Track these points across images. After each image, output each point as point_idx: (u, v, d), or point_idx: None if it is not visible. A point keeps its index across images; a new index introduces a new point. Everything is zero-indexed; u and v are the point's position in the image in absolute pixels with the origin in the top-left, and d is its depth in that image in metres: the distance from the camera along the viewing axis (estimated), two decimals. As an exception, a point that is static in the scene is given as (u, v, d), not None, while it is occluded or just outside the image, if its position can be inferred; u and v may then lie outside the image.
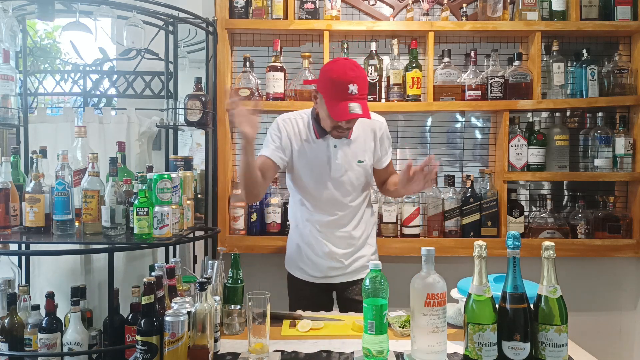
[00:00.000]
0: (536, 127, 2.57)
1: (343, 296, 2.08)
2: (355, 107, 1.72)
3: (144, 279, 1.34)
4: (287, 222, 2.34)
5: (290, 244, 2.13)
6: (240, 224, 2.54)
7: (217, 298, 1.54)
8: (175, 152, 2.38)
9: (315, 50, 2.65)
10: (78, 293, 1.70)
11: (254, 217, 2.55)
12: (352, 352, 1.45)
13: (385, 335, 1.34)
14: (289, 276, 2.13)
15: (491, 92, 2.52)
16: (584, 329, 2.62)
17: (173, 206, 1.73)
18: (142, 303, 1.34)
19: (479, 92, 2.53)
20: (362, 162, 1.95)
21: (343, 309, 2.07)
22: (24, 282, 2.08)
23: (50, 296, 1.67)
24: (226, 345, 1.51)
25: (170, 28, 2.31)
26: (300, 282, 2.07)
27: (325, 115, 1.81)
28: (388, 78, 2.56)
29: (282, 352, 1.45)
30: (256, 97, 2.55)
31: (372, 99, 2.55)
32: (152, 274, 1.49)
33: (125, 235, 1.77)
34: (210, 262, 1.71)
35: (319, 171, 1.93)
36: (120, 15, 2.07)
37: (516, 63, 2.53)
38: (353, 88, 1.72)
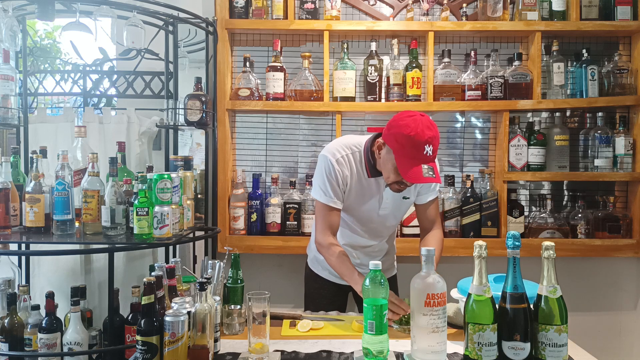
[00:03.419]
0: (536, 127, 2.57)
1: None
2: (428, 169, 1.65)
3: (144, 279, 1.35)
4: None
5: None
6: (240, 224, 2.54)
7: (217, 298, 1.54)
8: (175, 152, 2.38)
9: (315, 50, 2.65)
10: (78, 293, 1.70)
11: (254, 217, 2.55)
12: (352, 352, 1.45)
13: (385, 335, 1.35)
14: (311, 274, 2.14)
15: (491, 92, 2.52)
16: (584, 329, 2.62)
17: (173, 206, 1.73)
18: (142, 303, 1.34)
19: (479, 92, 2.53)
20: (407, 198, 1.95)
21: (361, 309, 2.07)
22: (24, 282, 2.08)
23: (50, 296, 1.67)
24: (226, 345, 1.51)
25: (170, 28, 2.31)
26: (322, 280, 2.10)
27: (390, 169, 1.74)
28: (388, 78, 2.56)
29: (282, 352, 1.45)
30: (256, 97, 2.55)
31: (372, 99, 2.55)
32: (152, 274, 1.49)
33: (125, 235, 1.77)
34: (210, 262, 1.71)
35: (368, 207, 1.93)
36: (120, 15, 2.07)
37: (516, 63, 2.53)
38: (429, 149, 1.64)
